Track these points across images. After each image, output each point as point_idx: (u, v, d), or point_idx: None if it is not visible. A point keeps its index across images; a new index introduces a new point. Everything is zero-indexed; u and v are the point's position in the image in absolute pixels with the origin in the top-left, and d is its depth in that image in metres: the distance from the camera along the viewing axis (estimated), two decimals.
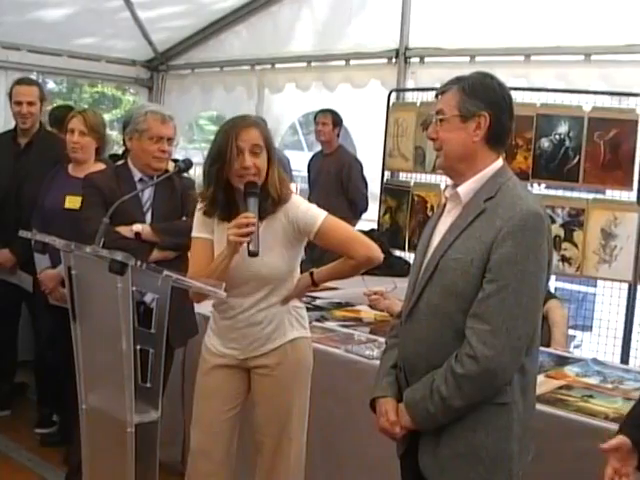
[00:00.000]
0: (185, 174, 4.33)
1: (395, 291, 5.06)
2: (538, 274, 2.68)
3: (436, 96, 2.90)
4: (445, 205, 2.97)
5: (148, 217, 4.30)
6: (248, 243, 3.28)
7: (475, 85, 2.80)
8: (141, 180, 4.31)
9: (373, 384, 3.06)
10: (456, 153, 2.80)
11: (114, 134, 13.21)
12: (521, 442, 2.75)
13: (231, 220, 3.37)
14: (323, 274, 3.61)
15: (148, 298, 3.94)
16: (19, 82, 5.80)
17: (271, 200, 3.45)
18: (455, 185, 2.87)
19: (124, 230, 4.17)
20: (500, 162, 2.84)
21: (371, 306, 5.07)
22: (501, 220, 2.66)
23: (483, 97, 2.77)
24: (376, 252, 3.53)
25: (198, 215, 3.61)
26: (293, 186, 3.99)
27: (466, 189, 2.81)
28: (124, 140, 4.42)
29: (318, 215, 3.47)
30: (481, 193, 2.78)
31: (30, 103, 5.60)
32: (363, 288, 5.04)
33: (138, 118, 4.25)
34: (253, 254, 3.28)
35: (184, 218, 4.38)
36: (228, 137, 3.40)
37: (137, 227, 4.21)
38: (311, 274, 3.59)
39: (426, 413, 2.75)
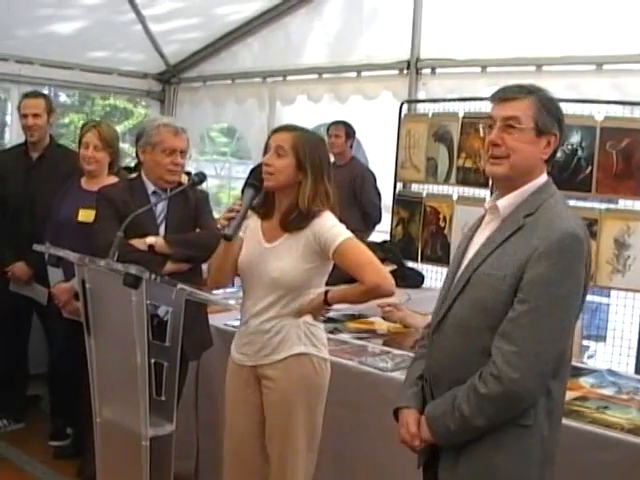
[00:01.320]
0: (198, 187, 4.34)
1: (409, 303, 5.06)
2: (571, 298, 2.63)
3: (496, 101, 2.79)
4: (484, 217, 2.92)
5: (162, 229, 4.30)
6: (225, 227, 3.45)
7: (550, 101, 2.75)
8: (154, 193, 4.32)
9: (398, 393, 3.03)
10: (524, 165, 2.72)
11: (126, 146, 13.26)
12: (543, 467, 2.69)
13: (265, 217, 3.60)
14: (336, 294, 3.54)
15: (162, 311, 3.93)
16: (26, 95, 5.87)
17: (298, 212, 3.50)
18: (498, 197, 2.82)
19: (138, 242, 4.17)
20: (544, 177, 2.77)
21: (385, 317, 5.07)
22: (538, 239, 2.60)
23: (555, 115, 2.74)
24: (387, 282, 3.45)
25: None
26: None
27: (506, 203, 2.76)
28: (137, 153, 4.42)
29: (340, 234, 3.47)
30: (522, 208, 2.72)
31: (35, 115, 5.64)
32: (376, 300, 5.03)
33: (151, 131, 4.26)
34: (226, 237, 3.46)
35: (197, 230, 4.39)
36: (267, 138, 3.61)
37: (150, 239, 4.21)
38: (326, 293, 3.55)
39: (446, 429, 2.71)
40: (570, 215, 2.71)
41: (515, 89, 2.76)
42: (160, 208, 4.31)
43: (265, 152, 3.58)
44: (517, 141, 2.70)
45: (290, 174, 3.50)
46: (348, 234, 3.49)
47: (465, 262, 2.83)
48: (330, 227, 3.48)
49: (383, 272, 3.48)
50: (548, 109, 2.72)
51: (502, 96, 2.77)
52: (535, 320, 2.57)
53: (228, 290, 4.90)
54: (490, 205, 2.84)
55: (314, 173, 3.51)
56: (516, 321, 2.59)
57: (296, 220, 3.51)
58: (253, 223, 3.67)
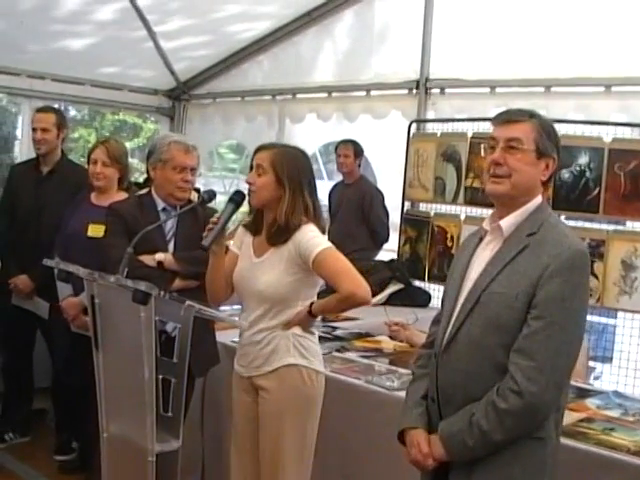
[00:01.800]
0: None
1: (416, 323, 5.07)
2: (582, 312, 2.75)
3: (500, 122, 2.87)
4: (481, 237, 2.97)
5: (171, 246, 4.32)
6: (204, 238, 3.61)
7: (549, 126, 2.87)
8: (164, 209, 4.34)
9: (400, 415, 3.05)
10: (525, 185, 2.82)
11: (135, 162, 13.29)
12: (552, 476, 2.77)
13: (256, 233, 3.74)
14: (319, 305, 3.68)
15: (169, 327, 3.96)
16: (38, 110, 5.91)
17: (277, 226, 3.63)
18: (497, 217, 2.89)
19: (147, 259, 4.19)
20: (540, 198, 2.87)
21: (391, 337, 5.08)
22: (548, 257, 2.69)
23: (554, 140, 2.86)
24: (362, 290, 3.56)
25: (239, 228, 3.91)
26: None
27: (508, 223, 2.84)
28: (147, 169, 4.44)
29: (319, 244, 3.59)
30: (523, 227, 2.81)
31: (44, 130, 5.67)
32: (383, 318, 5.04)
33: (162, 148, 4.29)
34: (202, 247, 3.62)
35: None
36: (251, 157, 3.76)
37: (160, 256, 4.23)
38: (311, 304, 3.67)
39: (463, 446, 2.74)
40: (572, 232, 2.85)
41: (517, 112, 2.89)
42: (169, 225, 4.34)
43: (250, 171, 3.73)
44: (519, 161, 2.81)
45: (271, 190, 3.64)
46: (327, 244, 3.61)
47: (469, 282, 2.89)
48: (310, 238, 3.59)
49: (358, 280, 3.58)
50: (548, 133, 2.84)
51: (505, 118, 2.87)
52: (551, 335, 2.65)
53: (235, 307, 4.91)
54: (492, 226, 2.90)
55: (292, 188, 3.63)
56: (532, 337, 2.67)
57: (277, 234, 3.64)
58: (247, 239, 3.82)
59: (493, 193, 2.87)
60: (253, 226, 3.80)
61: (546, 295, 2.66)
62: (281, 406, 3.63)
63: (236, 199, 3.71)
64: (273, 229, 3.66)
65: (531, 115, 2.85)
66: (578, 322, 2.73)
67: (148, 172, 4.47)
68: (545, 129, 2.83)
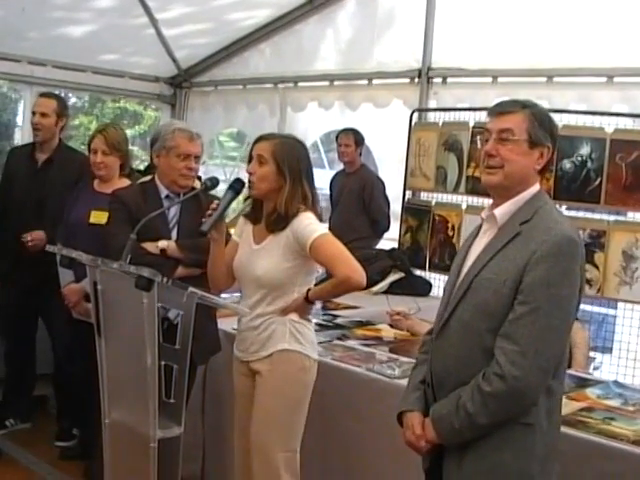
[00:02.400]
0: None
1: (418, 313, 5.08)
2: (570, 298, 2.73)
3: (493, 114, 2.91)
4: (481, 226, 3.02)
5: (174, 234, 4.32)
6: (203, 223, 3.70)
7: (543, 115, 2.88)
8: (167, 197, 4.35)
9: (401, 398, 3.10)
10: (518, 175, 2.84)
11: (135, 149, 13.26)
12: (544, 463, 2.77)
13: (256, 222, 3.82)
14: (315, 291, 3.77)
15: (172, 314, 3.96)
16: (41, 95, 5.90)
17: (277, 215, 3.71)
18: (493, 206, 2.92)
19: (150, 246, 4.20)
20: (537, 186, 2.89)
21: (393, 325, 5.09)
22: (536, 243, 2.71)
23: (548, 128, 2.87)
24: (357, 275, 3.64)
25: (240, 218, 3.98)
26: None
27: (503, 211, 2.87)
28: (151, 156, 4.45)
29: (315, 230, 3.66)
30: (517, 216, 2.83)
31: (43, 114, 5.65)
32: (383, 307, 5.05)
33: (166, 135, 4.30)
34: (201, 233, 3.73)
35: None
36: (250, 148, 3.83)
37: (163, 244, 4.24)
38: (308, 290, 3.74)
39: (451, 428, 2.79)
40: (565, 220, 2.85)
41: (510, 103, 2.93)
42: (172, 212, 4.34)
43: (249, 161, 3.79)
44: (511, 152, 2.84)
45: (271, 181, 3.72)
46: (323, 231, 3.71)
47: (465, 269, 2.94)
48: (307, 225, 3.67)
49: (354, 265, 3.65)
50: (541, 122, 2.85)
51: (497, 110, 2.91)
52: (536, 320, 2.67)
53: (235, 294, 4.92)
54: (487, 215, 2.94)
55: (292, 177, 3.71)
56: (517, 322, 2.69)
57: (276, 221, 3.71)
58: (247, 228, 3.89)
59: (488, 184, 2.93)
60: (253, 215, 3.87)
61: (532, 280, 2.69)
62: (274, 388, 3.72)
63: (236, 187, 3.78)
64: (272, 217, 3.72)
65: (524, 105, 2.87)
66: (565, 308, 2.73)
67: (151, 159, 4.47)
68: (538, 118, 2.85)
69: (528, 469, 2.75)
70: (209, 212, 3.72)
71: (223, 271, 3.92)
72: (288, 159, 3.71)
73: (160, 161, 4.33)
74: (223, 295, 5.00)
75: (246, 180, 3.78)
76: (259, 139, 3.81)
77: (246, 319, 3.79)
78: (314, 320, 4.15)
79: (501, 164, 2.84)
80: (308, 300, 3.74)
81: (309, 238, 3.62)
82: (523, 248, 2.74)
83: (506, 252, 2.78)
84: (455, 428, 2.77)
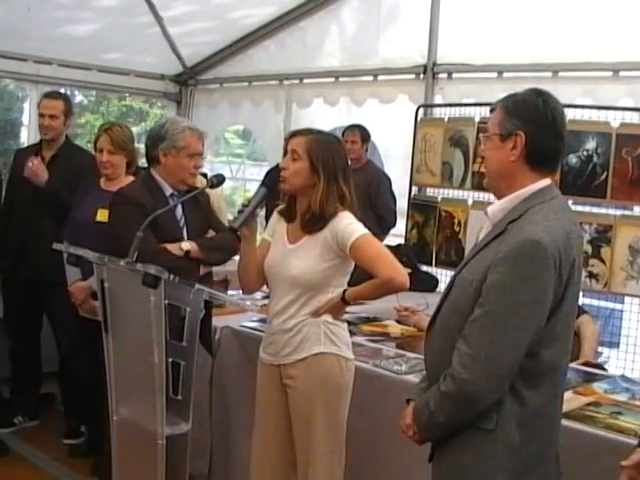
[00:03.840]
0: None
1: (427, 309, 5.08)
2: (531, 305, 2.57)
3: (490, 112, 2.86)
4: None
5: (184, 233, 4.29)
6: (235, 219, 3.59)
7: (517, 103, 2.73)
8: (172, 195, 4.30)
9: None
10: (495, 172, 2.77)
11: (141, 147, 13.26)
12: (516, 475, 2.66)
13: (290, 220, 3.72)
14: (353, 292, 3.61)
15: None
16: (46, 95, 5.90)
17: (311, 214, 3.60)
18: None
19: (173, 248, 4.15)
20: (541, 184, 2.73)
21: (401, 321, 5.09)
22: (504, 244, 2.60)
23: (521, 115, 2.69)
24: (401, 275, 3.52)
25: (273, 215, 3.87)
26: None
27: (495, 209, 2.77)
28: (149, 152, 4.37)
29: (356, 230, 3.55)
30: (509, 214, 2.70)
31: (52, 116, 5.68)
32: (391, 303, 5.04)
33: (177, 135, 4.22)
34: (231, 229, 3.61)
35: (211, 232, 4.41)
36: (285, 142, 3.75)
37: (186, 245, 4.19)
38: (344, 291, 3.61)
39: (421, 423, 2.79)
40: (546, 222, 2.62)
41: (499, 100, 2.81)
42: (179, 212, 4.31)
43: (284, 156, 3.70)
44: (487, 150, 2.79)
45: (305, 177, 3.61)
46: (364, 231, 3.58)
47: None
48: (346, 225, 3.56)
49: (396, 266, 3.55)
50: (512, 111, 2.71)
51: (490, 108, 2.87)
52: (488, 325, 2.57)
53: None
54: (485, 211, 2.85)
55: (327, 175, 3.60)
56: (472, 324, 2.61)
57: (312, 221, 3.61)
58: (280, 226, 3.78)
59: (485, 186, 2.90)
60: (287, 212, 3.77)
61: (489, 283, 2.59)
62: (311, 395, 3.63)
63: (268, 183, 3.67)
64: (307, 217, 3.63)
65: (506, 98, 2.77)
66: (524, 315, 2.56)
67: (148, 156, 4.39)
68: (510, 108, 2.72)
69: (493, 477, 2.66)
70: (240, 208, 3.61)
71: (254, 271, 3.78)
72: (323, 156, 3.61)
73: (168, 160, 4.23)
74: (230, 292, 5.03)
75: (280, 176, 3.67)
76: (294, 134, 3.73)
77: (277, 321, 3.68)
78: None
79: (486, 164, 2.81)
80: (345, 301, 3.60)
81: (350, 238, 3.52)
82: (495, 248, 2.63)
83: (485, 251, 2.69)
84: (423, 423, 2.77)
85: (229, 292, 5.06)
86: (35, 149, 5.90)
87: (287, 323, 3.65)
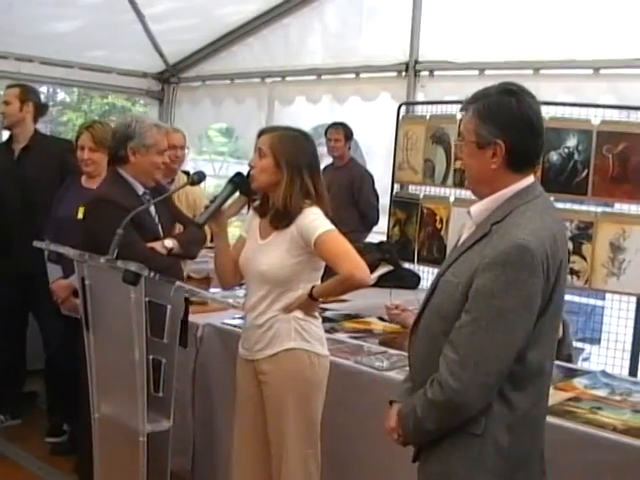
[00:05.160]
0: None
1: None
2: (518, 311, 2.50)
3: (460, 111, 2.81)
4: None
5: (160, 230, 4.30)
6: (200, 214, 3.73)
7: (491, 106, 2.60)
8: (144, 194, 4.28)
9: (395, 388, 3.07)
10: (475, 178, 2.70)
11: None
12: (503, 476, 2.62)
13: (263, 216, 3.74)
14: (320, 288, 3.66)
15: None
16: (7, 86, 5.95)
17: (275, 211, 3.65)
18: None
19: (158, 247, 4.17)
20: (525, 182, 2.65)
21: (388, 319, 5.09)
22: (490, 248, 2.53)
23: (497, 121, 2.58)
24: (362, 272, 3.55)
25: (250, 212, 3.90)
26: None
27: (477, 209, 2.70)
28: (116, 151, 4.28)
29: (320, 226, 3.58)
30: (493, 215, 2.62)
31: (6, 102, 5.70)
32: (372, 300, 5.06)
33: (145, 133, 4.21)
34: (197, 224, 3.79)
35: (179, 227, 4.44)
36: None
37: (169, 243, 4.22)
38: (312, 288, 3.65)
39: (407, 429, 2.75)
40: (532, 224, 2.55)
41: (467, 101, 2.70)
42: (153, 210, 4.30)
43: (255, 154, 3.74)
44: (466, 155, 2.70)
45: (270, 174, 3.65)
46: (328, 227, 3.60)
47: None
48: (311, 220, 3.59)
49: (358, 262, 3.57)
50: (487, 117, 2.60)
51: (461, 108, 2.79)
52: (476, 332, 2.50)
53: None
54: (468, 210, 2.77)
55: (290, 171, 3.63)
56: (459, 330, 2.54)
57: (278, 217, 3.65)
58: (254, 222, 3.81)
59: (466, 188, 2.88)
60: (260, 209, 3.80)
61: (476, 289, 2.51)
62: (282, 390, 3.66)
63: (235, 180, 3.74)
64: (273, 213, 3.67)
65: (475, 99, 2.66)
66: (511, 321, 2.49)
67: (114, 155, 4.31)
68: (484, 113, 2.60)
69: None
70: (206, 204, 3.68)
71: (230, 267, 3.83)
72: (286, 152, 3.63)
73: (137, 158, 4.20)
74: (212, 289, 5.04)
75: (248, 175, 3.75)
76: (262, 132, 3.75)
77: (251, 317, 3.72)
78: None
79: (466, 169, 2.77)
80: (312, 297, 3.64)
81: (314, 234, 3.55)
82: (480, 251, 2.55)
83: (469, 254, 2.61)
84: (409, 429, 2.73)
85: (211, 290, 5.06)
86: (4, 143, 5.91)
87: (259, 319, 3.69)
